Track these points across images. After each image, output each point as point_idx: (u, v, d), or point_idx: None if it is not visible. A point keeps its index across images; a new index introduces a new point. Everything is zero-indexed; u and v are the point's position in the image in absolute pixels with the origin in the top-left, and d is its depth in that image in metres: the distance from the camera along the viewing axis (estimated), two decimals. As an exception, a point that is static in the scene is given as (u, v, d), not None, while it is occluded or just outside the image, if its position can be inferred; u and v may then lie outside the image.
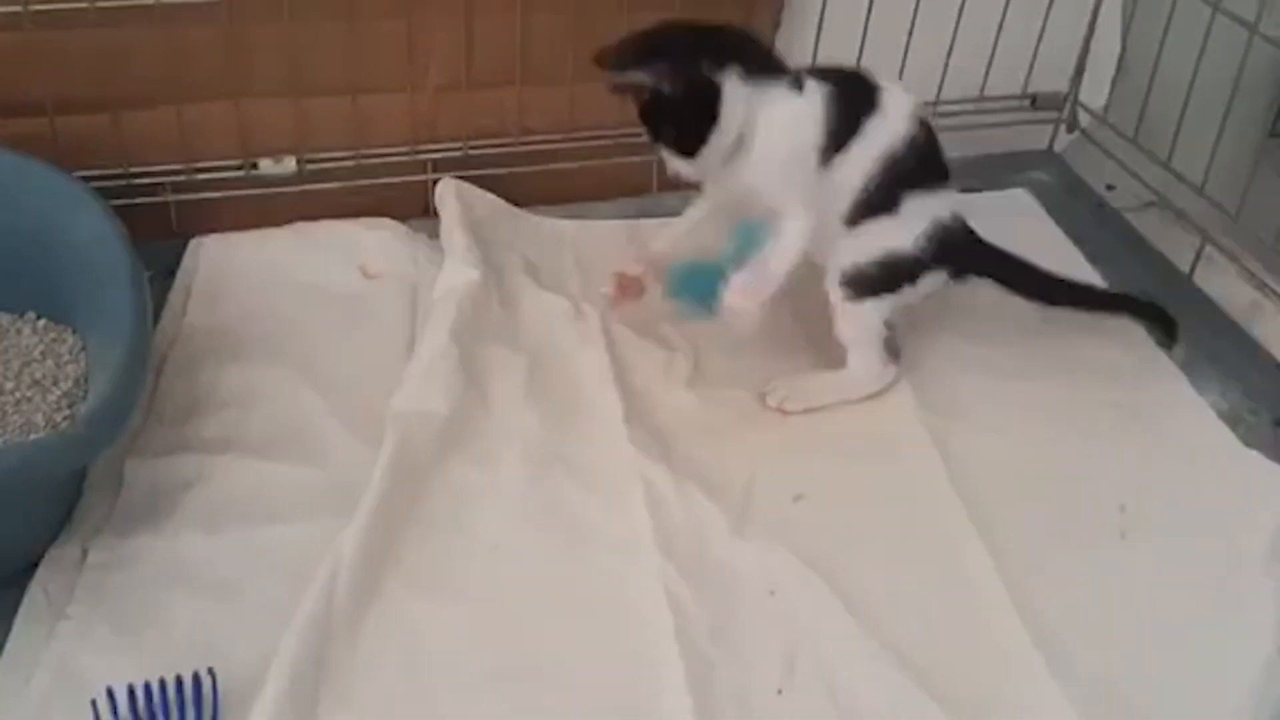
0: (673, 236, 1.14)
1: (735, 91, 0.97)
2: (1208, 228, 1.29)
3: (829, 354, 1.12)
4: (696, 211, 1.13)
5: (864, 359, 1.10)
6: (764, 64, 1.00)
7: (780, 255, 1.02)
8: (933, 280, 1.09)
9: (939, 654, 0.88)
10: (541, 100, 1.30)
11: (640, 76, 0.98)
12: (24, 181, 1.05)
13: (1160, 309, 1.18)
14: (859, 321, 1.09)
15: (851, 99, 1.03)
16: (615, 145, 1.34)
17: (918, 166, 1.05)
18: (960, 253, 1.09)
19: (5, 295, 1.09)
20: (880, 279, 1.07)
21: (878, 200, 1.04)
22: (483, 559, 0.94)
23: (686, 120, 0.98)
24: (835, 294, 1.08)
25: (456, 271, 1.17)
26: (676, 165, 1.02)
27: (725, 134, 0.98)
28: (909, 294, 1.09)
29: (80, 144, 1.17)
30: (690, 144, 0.99)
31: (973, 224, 1.10)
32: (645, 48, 0.99)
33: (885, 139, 1.03)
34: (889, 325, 1.10)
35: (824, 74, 1.04)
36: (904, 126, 1.03)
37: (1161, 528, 1.00)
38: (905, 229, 1.06)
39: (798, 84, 1.02)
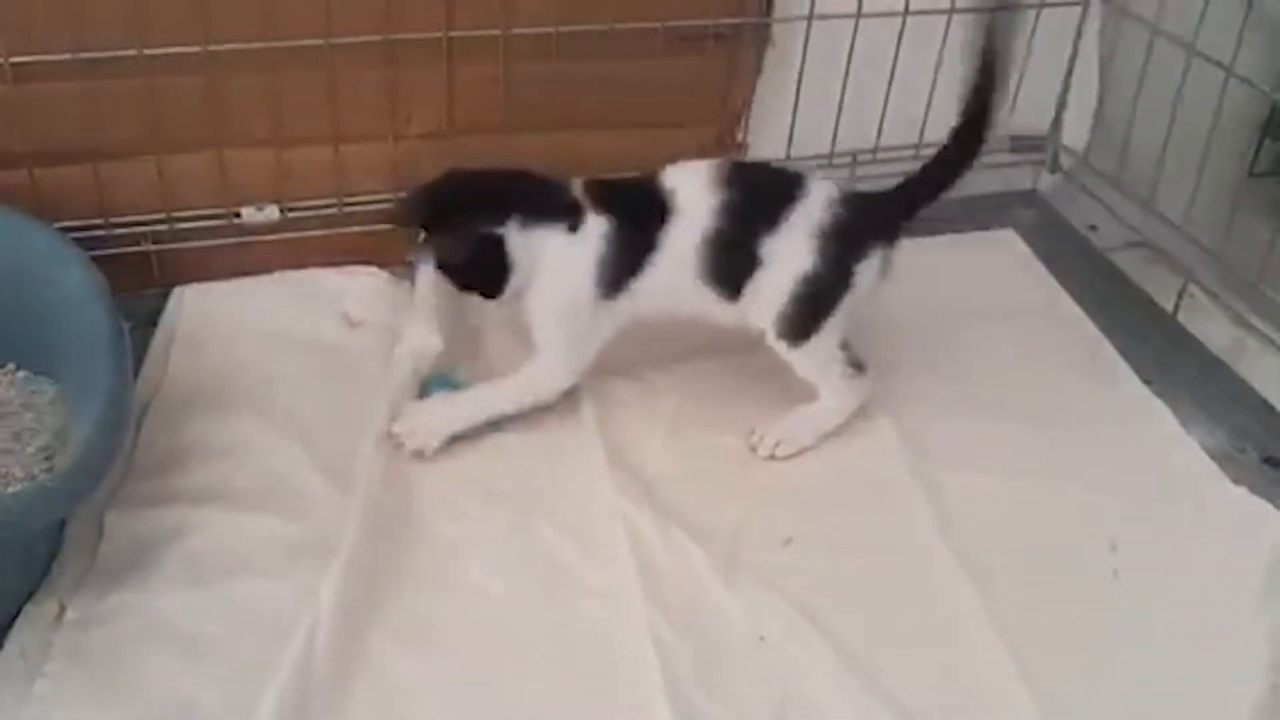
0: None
1: (518, 239, 1.02)
2: (1190, 267, 1.29)
3: (804, 387, 1.11)
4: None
5: (832, 389, 1.10)
6: (545, 204, 1.04)
7: (504, 393, 1.08)
8: (865, 269, 1.05)
9: (930, 699, 0.87)
10: (524, 147, 1.29)
11: (434, 249, 1.05)
12: (3, 233, 1.05)
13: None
14: (812, 359, 1.08)
15: (638, 217, 1.03)
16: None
17: (748, 218, 1.03)
18: (873, 226, 1.06)
19: (-16, 347, 1.08)
20: (810, 311, 1.05)
21: (733, 269, 1.03)
22: (465, 610, 0.93)
23: (482, 271, 1.04)
24: (778, 347, 1.07)
25: (418, 336, 1.16)
26: (487, 308, 1.08)
27: (519, 276, 1.04)
28: (850, 300, 1.06)
29: (60, 195, 1.17)
30: (492, 288, 1.05)
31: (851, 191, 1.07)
32: (432, 212, 1.05)
33: (691, 231, 1.03)
34: (843, 346, 1.09)
35: (605, 198, 1.04)
36: (705, 213, 1.02)
37: (1153, 566, 1.00)
38: (790, 262, 1.03)
39: (575, 224, 1.03)
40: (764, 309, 1.05)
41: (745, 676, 0.88)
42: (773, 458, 1.09)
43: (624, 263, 1.04)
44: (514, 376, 1.08)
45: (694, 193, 1.03)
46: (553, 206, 1.04)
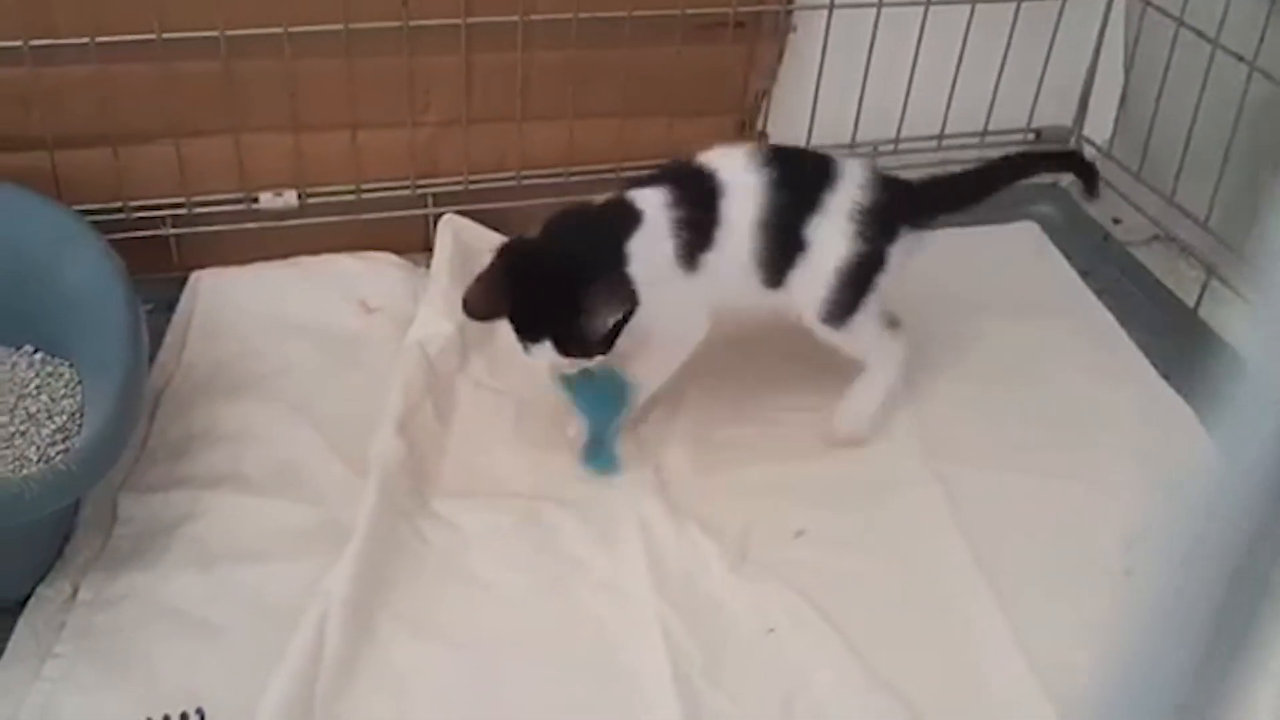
0: None
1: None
2: (1213, 262, 1.28)
3: (820, 380, 1.11)
4: None
5: (878, 359, 1.09)
6: (610, 240, 0.98)
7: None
8: (898, 251, 1.05)
9: (939, 695, 0.87)
10: (542, 135, 1.30)
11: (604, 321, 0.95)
12: (23, 215, 1.05)
13: (1075, 154, 1.12)
14: (855, 336, 1.07)
15: (692, 202, 1.01)
16: (616, 179, 1.33)
17: (789, 203, 1.01)
18: (904, 211, 1.05)
19: (2, 328, 1.09)
20: (849, 293, 1.04)
21: (783, 253, 1.02)
22: (475, 600, 0.93)
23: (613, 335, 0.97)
24: (821, 330, 1.06)
25: (431, 321, 1.16)
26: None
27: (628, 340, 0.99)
28: (884, 280, 1.05)
29: (80, 178, 1.17)
30: (608, 346, 0.98)
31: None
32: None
33: (743, 214, 1.01)
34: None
35: (658, 183, 1.01)
36: (751, 191, 1.01)
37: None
38: (830, 246, 1.02)
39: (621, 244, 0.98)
40: (808, 293, 1.04)
41: (754, 670, 0.88)
42: (856, 444, 1.09)
43: (692, 241, 1.00)
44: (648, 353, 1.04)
45: (738, 174, 1.02)
46: (608, 238, 0.99)
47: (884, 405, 1.10)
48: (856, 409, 1.10)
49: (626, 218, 1.00)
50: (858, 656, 0.88)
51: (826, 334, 1.06)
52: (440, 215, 1.30)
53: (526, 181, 1.32)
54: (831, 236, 1.02)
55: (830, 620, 0.91)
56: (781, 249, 1.02)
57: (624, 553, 0.97)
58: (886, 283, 1.05)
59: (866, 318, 1.06)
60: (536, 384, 1.14)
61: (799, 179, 1.03)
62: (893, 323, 1.10)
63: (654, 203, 1.00)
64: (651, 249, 0.99)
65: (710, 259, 1.01)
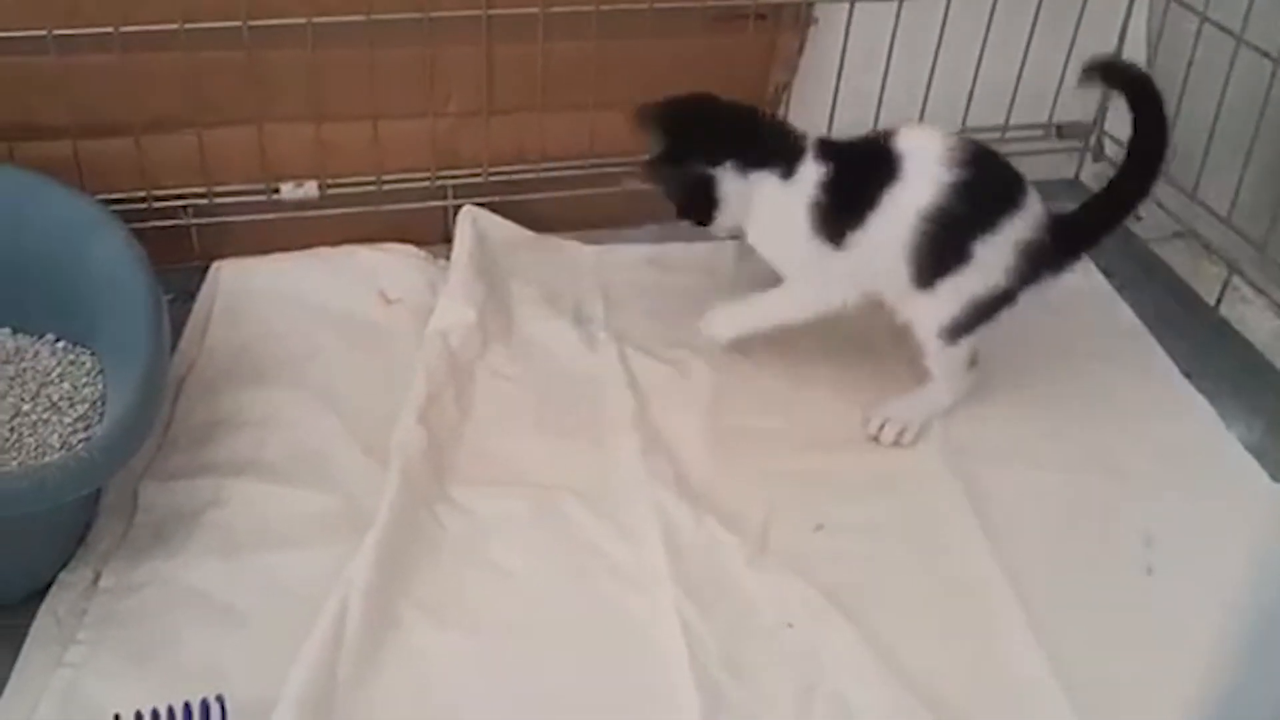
0: None
1: (731, 181, 1.06)
2: (1235, 259, 1.27)
3: (849, 376, 1.11)
4: None
5: (954, 380, 1.10)
6: (762, 150, 1.06)
7: (767, 309, 1.11)
8: (1033, 292, 1.06)
9: (959, 690, 0.87)
10: (562, 126, 1.30)
11: (652, 180, 1.11)
12: (46, 204, 1.06)
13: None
14: (952, 355, 1.08)
15: (858, 175, 1.03)
16: (637, 171, 1.34)
17: (974, 211, 1.01)
18: (1052, 255, 1.06)
19: (25, 317, 1.09)
20: (975, 318, 1.05)
21: (942, 258, 1.02)
22: (494, 587, 0.93)
23: (693, 204, 1.09)
24: (931, 343, 1.07)
25: (452, 310, 1.17)
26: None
27: (729, 212, 1.08)
28: (1006, 313, 1.07)
29: (103, 167, 1.18)
30: (702, 219, 1.10)
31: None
32: (666, 141, 1.09)
33: (914, 204, 1.01)
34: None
35: (830, 151, 1.05)
36: (934, 185, 1.00)
37: (1188, 563, 0.99)
38: (989, 270, 1.03)
39: (789, 170, 1.04)
40: (942, 306, 1.05)
41: (772, 662, 0.88)
42: (897, 444, 1.09)
43: (840, 214, 1.03)
44: (770, 297, 1.11)
45: (923, 167, 1.01)
46: (770, 151, 1.06)
47: (927, 421, 1.10)
48: (907, 415, 1.09)
49: (771, 154, 1.05)
50: (877, 650, 0.88)
51: (933, 347, 1.07)
52: (460, 207, 1.30)
53: (546, 173, 1.32)
54: (993, 262, 1.03)
55: (849, 614, 0.91)
56: (943, 255, 1.02)
57: (642, 542, 0.97)
58: (1004, 315, 1.07)
59: (966, 346, 1.08)
60: (556, 374, 1.14)
61: (985, 191, 1.02)
62: (974, 361, 1.11)
63: (815, 166, 1.04)
64: (786, 194, 1.04)
65: (859, 239, 1.03)
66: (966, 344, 1.08)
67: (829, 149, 1.06)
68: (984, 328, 1.07)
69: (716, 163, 1.06)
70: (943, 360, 1.09)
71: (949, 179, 1.00)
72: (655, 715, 0.84)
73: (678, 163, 1.08)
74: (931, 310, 1.05)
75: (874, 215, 1.02)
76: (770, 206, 1.06)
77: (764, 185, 1.06)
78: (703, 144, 1.08)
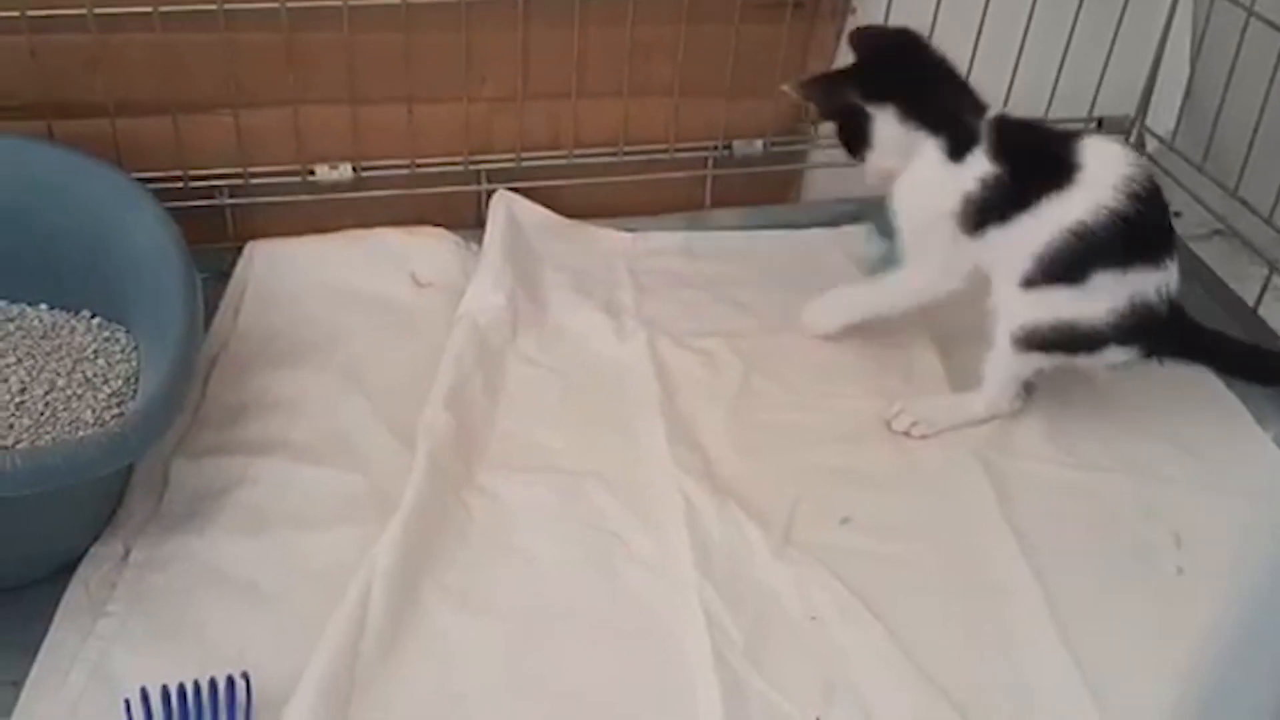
0: None
1: (889, 125, 1.05)
2: (1276, 259, 1.25)
3: (877, 377, 1.10)
4: None
5: (1001, 396, 1.09)
6: (933, 110, 1.04)
7: (874, 297, 1.12)
8: (1120, 354, 1.05)
9: (983, 688, 0.86)
10: (596, 113, 1.30)
11: (807, 96, 1.11)
12: (84, 181, 1.07)
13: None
14: (1015, 365, 1.07)
15: (1032, 174, 1.01)
16: (669, 160, 1.33)
17: (1118, 243, 0.99)
18: (1161, 336, 1.04)
19: (61, 293, 1.11)
20: (1054, 342, 1.04)
21: (1059, 271, 1.01)
22: (519, 573, 0.94)
23: (844, 133, 1.09)
24: (1003, 340, 1.06)
25: (482, 295, 1.17)
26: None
27: (882, 156, 1.06)
28: (1084, 360, 1.06)
29: (140, 146, 1.18)
30: (852, 151, 1.09)
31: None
32: (863, 59, 1.08)
33: (1069, 216, 0.99)
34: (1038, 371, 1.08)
35: (1005, 144, 1.02)
36: (1096, 207, 0.99)
37: (1219, 564, 0.97)
38: (1092, 302, 1.01)
39: (959, 151, 1.02)
40: (1033, 312, 1.03)
41: (795, 655, 0.88)
42: (907, 434, 1.08)
43: (994, 208, 1.02)
44: (885, 283, 1.12)
45: (1096, 186, 0.99)
46: (944, 120, 1.04)
47: (951, 427, 1.09)
48: (934, 417, 1.09)
49: (943, 123, 1.04)
50: (900, 646, 0.88)
51: (1002, 343, 1.06)
52: (493, 192, 1.30)
53: (579, 160, 1.31)
54: (1103, 300, 1.01)
55: (873, 609, 0.90)
56: (1065, 268, 1.00)
57: (667, 531, 0.97)
58: (1082, 362, 1.07)
59: (1032, 363, 1.07)
60: (585, 361, 1.14)
61: (1138, 231, 1.00)
62: (1028, 389, 1.10)
63: (972, 168, 1.02)
64: (947, 172, 1.03)
65: (998, 234, 1.02)
66: (1031, 365, 1.06)
67: (1005, 141, 1.02)
68: (1053, 362, 1.05)
69: (879, 101, 1.04)
70: (1001, 365, 1.07)
71: (1112, 205, 0.99)
72: (676, 704, 0.84)
73: (836, 87, 1.07)
74: (1020, 310, 1.04)
75: (1025, 216, 1.01)
76: (926, 176, 1.04)
77: (926, 150, 1.04)
78: (869, 76, 1.06)
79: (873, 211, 1.19)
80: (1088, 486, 1.04)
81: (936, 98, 1.05)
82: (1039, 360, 1.07)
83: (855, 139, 1.07)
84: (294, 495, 0.98)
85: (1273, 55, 1.22)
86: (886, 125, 1.05)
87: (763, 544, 0.95)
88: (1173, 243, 1.04)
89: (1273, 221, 1.25)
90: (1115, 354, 1.05)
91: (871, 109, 1.04)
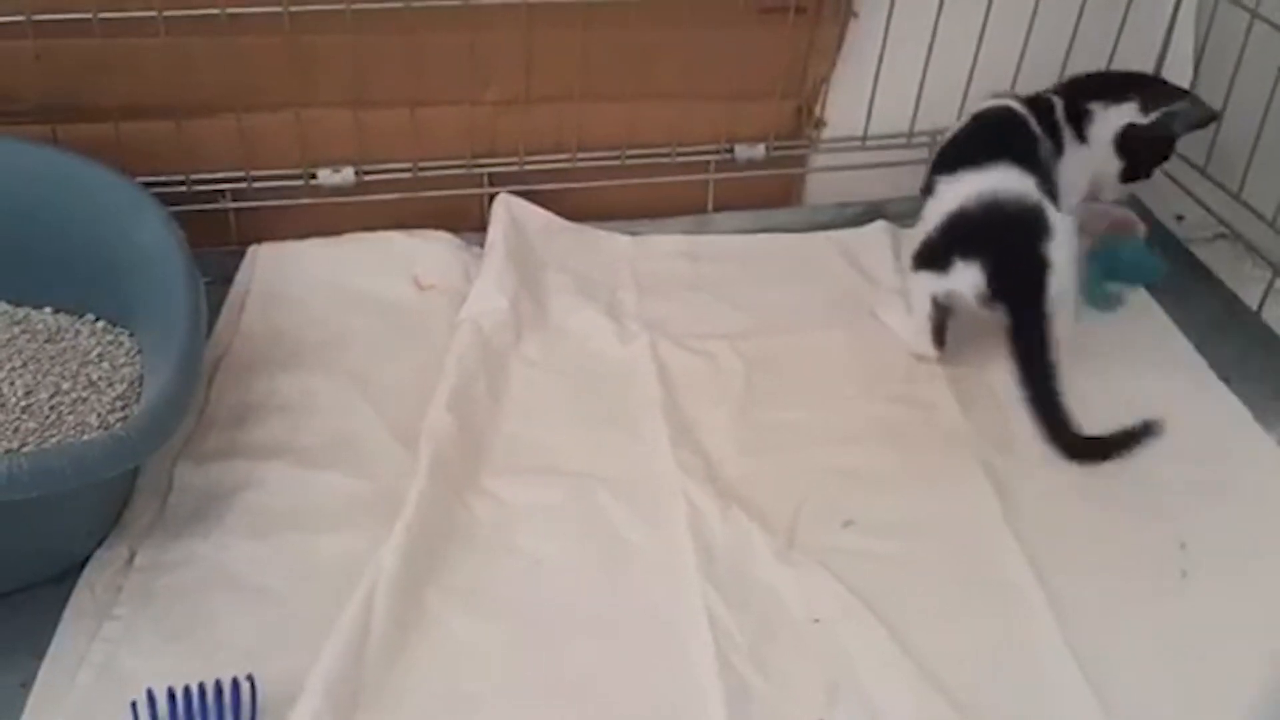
0: None
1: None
2: (1279, 262, 1.25)
3: (879, 379, 1.10)
4: None
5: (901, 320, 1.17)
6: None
7: None
8: (962, 279, 1.10)
9: (987, 691, 0.86)
10: (600, 116, 1.30)
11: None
12: (88, 185, 1.07)
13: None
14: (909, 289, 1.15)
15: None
16: (672, 163, 1.33)
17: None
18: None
19: (66, 296, 1.11)
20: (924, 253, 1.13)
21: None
22: (523, 575, 0.94)
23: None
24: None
25: (485, 297, 1.17)
26: None
27: None
28: (938, 282, 1.12)
29: (144, 150, 1.19)
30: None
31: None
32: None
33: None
34: (937, 306, 1.13)
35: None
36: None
37: (1223, 566, 0.98)
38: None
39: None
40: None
41: (798, 657, 0.88)
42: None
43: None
44: None
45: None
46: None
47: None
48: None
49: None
50: (904, 648, 0.88)
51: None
52: (496, 194, 1.30)
53: (582, 163, 1.32)
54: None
55: (876, 611, 0.90)
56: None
57: (670, 533, 0.97)
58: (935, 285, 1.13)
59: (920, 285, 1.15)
60: (588, 364, 1.15)
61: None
62: (938, 339, 1.16)
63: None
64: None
65: None
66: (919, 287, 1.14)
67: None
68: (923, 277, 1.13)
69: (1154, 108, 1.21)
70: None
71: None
72: (681, 706, 0.84)
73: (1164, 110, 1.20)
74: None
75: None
76: None
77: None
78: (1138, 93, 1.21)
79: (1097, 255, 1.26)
80: (1090, 489, 1.04)
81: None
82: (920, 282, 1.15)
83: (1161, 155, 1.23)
84: (300, 498, 0.98)
85: (1276, 58, 1.22)
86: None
87: (766, 546, 0.96)
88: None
89: (1276, 225, 1.25)
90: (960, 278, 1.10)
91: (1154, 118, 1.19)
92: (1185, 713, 0.86)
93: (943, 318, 1.14)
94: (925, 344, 1.15)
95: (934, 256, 1.11)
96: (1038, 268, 1.07)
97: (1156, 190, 1.44)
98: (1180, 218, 1.41)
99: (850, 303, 1.23)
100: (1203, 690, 0.88)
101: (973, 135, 1.17)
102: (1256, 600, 0.95)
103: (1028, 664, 0.89)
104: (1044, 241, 1.07)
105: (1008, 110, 1.17)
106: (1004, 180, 1.09)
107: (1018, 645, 0.90)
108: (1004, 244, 1.09)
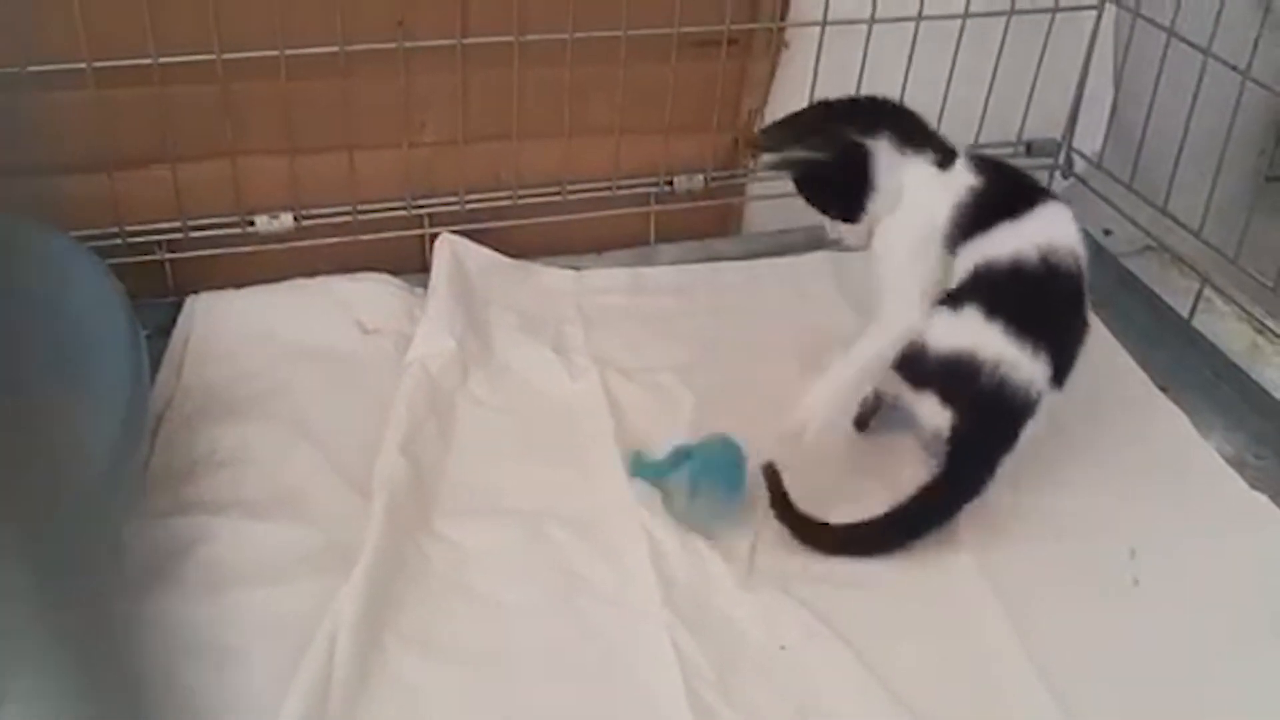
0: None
1: (887, 158, 1.01)
2: (1206, 271, 1.29)
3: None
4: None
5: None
6: (916, 136, 1.03)
7: (865, 363, 1.02)
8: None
9: (951, 708, 0.87)
10: (538, 153, 1.30)
11: (797, 151, 1.03)
12: (21, 243, 1.04)
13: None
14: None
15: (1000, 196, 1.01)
16: (613, 197, 1.34)
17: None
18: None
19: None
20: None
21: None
22: (483, 617, 0.93)
23: (844, 187, 1.02)
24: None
25: (431, 339, 1.16)
26: (841, 231, 1.06)
27: (882, 199, 1.02)
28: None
29: (75, 204, 1.16)
30: (852, 211, 1.03)
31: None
32: (798, 124, 1.05)
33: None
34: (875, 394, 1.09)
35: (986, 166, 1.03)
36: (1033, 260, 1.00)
37: (1172, 574, 0.99)
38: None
39: (944, 161, 1.03)
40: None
41: (766, 686, 0.88)
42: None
43: (973, 221, 1.00)
44: (863, 339, 1.03)
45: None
46: (929, 137, 1.03)
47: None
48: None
49: (927, 140, 1.03)
50: (871, 673, 0.88)
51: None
52: (436, 235, 1.30)
53: (523, 200, 1.32)
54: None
55: (842, 636, 0.91)
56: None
57: (630, 567, 0.96)
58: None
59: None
60: (538, 401, 1.14)
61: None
62: (860, 424, 1.11)
63: (960, 176, 1.02)
64: (924, 185, 1.01)
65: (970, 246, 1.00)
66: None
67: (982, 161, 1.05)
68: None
69: (873, 135, 1.01)
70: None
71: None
72: (649, 741, 0.84)
73: (830, 133, 1.02)
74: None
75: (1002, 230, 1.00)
76: (919, 196, 1.02)
77: (918, 169, 1.02)
78: (858, 118, 1.03)
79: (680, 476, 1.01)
80: (1043, 505, 1.05)
81: (915, 122, 1.04)
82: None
83: (854, 182, 1.01)
84: (250, 552, 0.96)
85: (1194, 74, 1.26)
86: (884, 159, 1.01)
87: (727, 575, 0.96)
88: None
89: (1202, 235, 1.28)
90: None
91: (870, 144, 1.01)
92: (1140, 714, 0.88)
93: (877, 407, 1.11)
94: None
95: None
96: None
97: (1085, 206, 1.47)
98: (1108, 232, 1.44)
99: (796, 332, 1.24)
100: (1154, 695, 0.89)
101: None
102: (1208, 603, 0.97)
103: (989, 679, 0.90)
104: None
105: None
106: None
107: (980, 660, 0.91)
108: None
